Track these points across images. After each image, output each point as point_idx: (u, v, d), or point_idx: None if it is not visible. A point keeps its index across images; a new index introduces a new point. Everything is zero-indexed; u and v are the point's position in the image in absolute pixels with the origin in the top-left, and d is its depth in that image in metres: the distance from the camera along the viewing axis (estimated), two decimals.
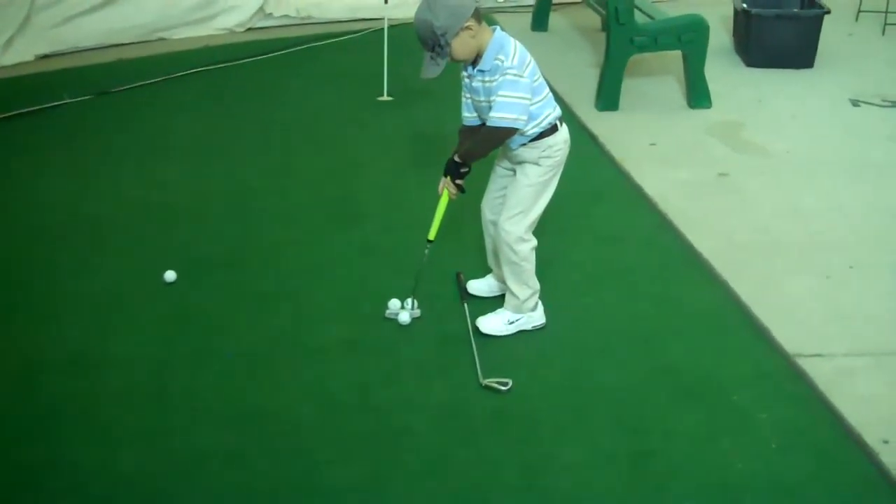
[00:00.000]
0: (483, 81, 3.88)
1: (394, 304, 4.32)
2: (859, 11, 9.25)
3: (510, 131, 3.86)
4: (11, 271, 4.80)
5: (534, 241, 4.10)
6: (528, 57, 3.90)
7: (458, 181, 4.02)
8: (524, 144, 3.98)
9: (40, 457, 3.50)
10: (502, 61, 3.80)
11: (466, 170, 4.00)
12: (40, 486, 3.37)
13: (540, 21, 9.25)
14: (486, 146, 3.96)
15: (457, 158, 3.99)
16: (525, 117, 3.85)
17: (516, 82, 3.81)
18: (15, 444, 3.57)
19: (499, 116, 3.82)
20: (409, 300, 4.32)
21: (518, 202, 4.04)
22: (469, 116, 4.10)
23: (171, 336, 4.23)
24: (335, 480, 3.41)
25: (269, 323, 4.34)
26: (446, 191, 4.07)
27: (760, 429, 3.68)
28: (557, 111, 4.02)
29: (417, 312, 4.31)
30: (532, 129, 3.93)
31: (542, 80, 3.96)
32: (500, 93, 3.81)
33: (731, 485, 3.40)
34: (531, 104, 3.87)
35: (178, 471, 3.44)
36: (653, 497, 3.36)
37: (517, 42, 3.90)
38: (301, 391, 3.88)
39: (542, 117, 3.94)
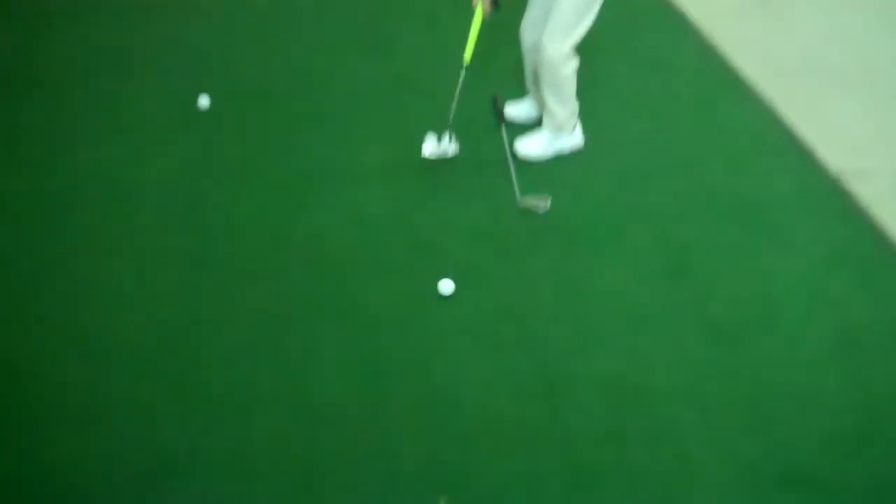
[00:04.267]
0: None
1: (430, 140, 4.19)
2: None
3: None
4: (45, 96, 4.75)
5: (576, 61, 3.98)
6: None
7: None
8: None
9: (82, 274, 3.53)
10: None
11: None
12: (84, 298, 3.41)
13: None
14: None
15: None
16: None
17: None
18: (49, 273, 3.59)
19: None
20: (447, 134, 4.22)
21: (562, 20, 3.89)
22: None
23: (206, 161, 4.21)
24: (371, 296, 3.43)
25: (305, 149, 4.30)
26: (480, 7, 3.93)
27: (803, 245, 3.64)
28: None
29: (455, 147, 4.19)
30: None
31: None
32: None
33: (771, 296, 3.38)
34: None
35: (216, 290, 3.47)
36: (689, 309, 3.35)
37: None
38: (337, 213, 3.86)
39: None
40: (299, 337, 3.25)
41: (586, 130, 4.23)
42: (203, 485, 2.73)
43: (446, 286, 3.43)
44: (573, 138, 4.18)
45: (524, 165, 4.11)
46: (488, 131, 4.32)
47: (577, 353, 3.18)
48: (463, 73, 4.10)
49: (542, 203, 3.82)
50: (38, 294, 3.45)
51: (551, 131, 4.14)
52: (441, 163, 4.14)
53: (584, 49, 4.02)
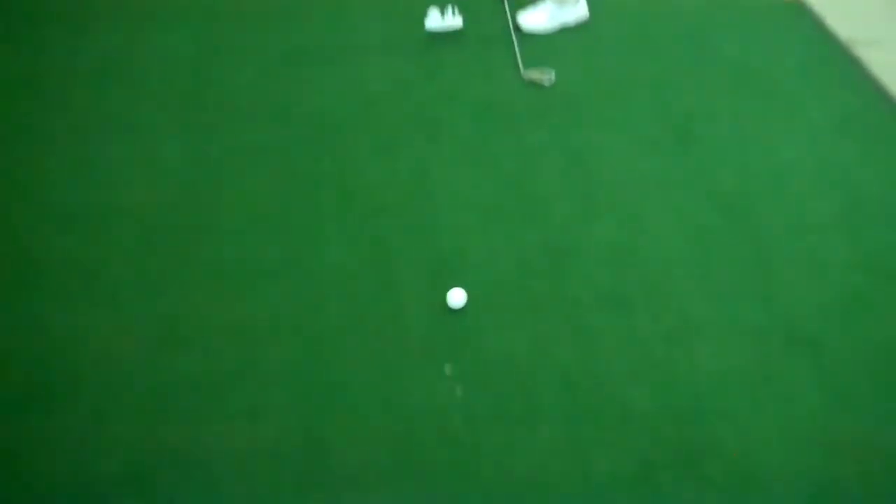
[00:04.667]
0: None
1: (432, 13, 4.10)
2: None
3: None
4: None
5: None
6: None
7: None
8: None
9: (82, 150, 3.50)
10: None
11: None
12: (85, 174, 3.40)
13: None
14: None
15: None
16: None
17: None
18: (48, 150, 3.54)
19: None
20: (450, 7, 4.13)
21: None
22: None
23: (205, 36, 4.13)
24: (376, 173, 3.40)
25: (305, 25, 4.22)
26: None
27: (811, 114, 3.60)
28: None
29: (458, 20, 4.11)
30: None
31: None
32: None
33: (778, 164, 3.36)
34: None
35: (217, 166, 3.43)
36: (694, 178, 3.32)
37: None
38: (339, 89, 3.81)
39: None
40: (303, 212, 3.23)
41: (591, 1, 4.14)
42: (210, 354, 2.74)
43: (457, 298, 2.88)
44: (578, 9, 4.10)
45: (528, 38, 4.04)
46: (491, 4, 4.24)
47: (581, 222, 3.17)
48: None
49: (546, 76, 3.77)
50: (38, 170, 3.42)
51: (555, 2, 4.05)
52: (444, 36, 4.07)
53: None
